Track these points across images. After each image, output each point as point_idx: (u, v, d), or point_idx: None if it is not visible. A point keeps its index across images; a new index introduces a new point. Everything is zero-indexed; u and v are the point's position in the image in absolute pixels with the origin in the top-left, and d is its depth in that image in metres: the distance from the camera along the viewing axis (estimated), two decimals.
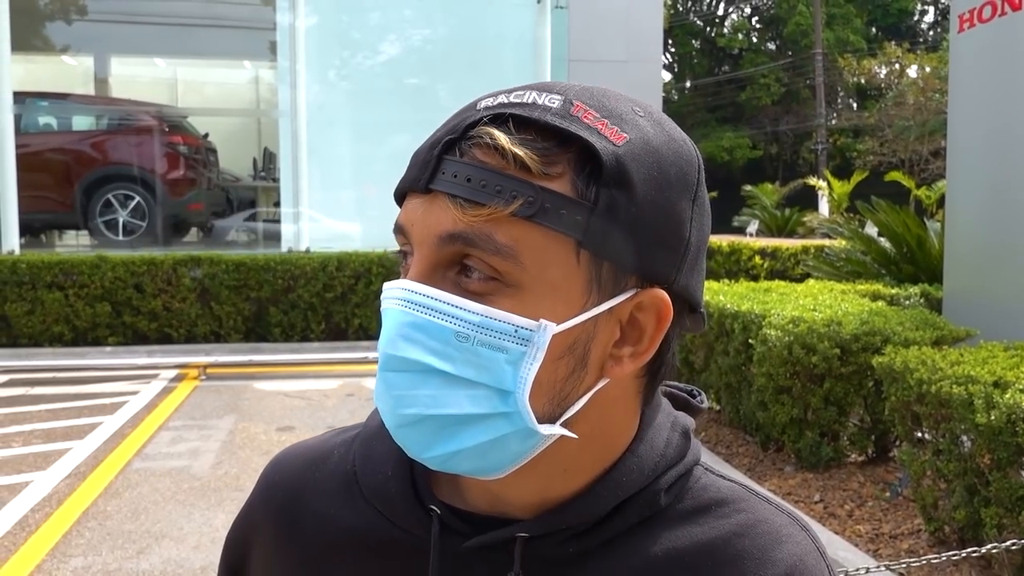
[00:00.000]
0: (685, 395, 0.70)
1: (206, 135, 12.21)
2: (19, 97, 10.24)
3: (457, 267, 0.56)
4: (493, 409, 0.56)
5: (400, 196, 0.60)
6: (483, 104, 0.58)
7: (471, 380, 0.55)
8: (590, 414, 0.59)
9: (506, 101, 0.57)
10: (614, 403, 0.61)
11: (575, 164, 0.55)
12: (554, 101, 0.56)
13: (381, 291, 0.60)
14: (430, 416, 0.56)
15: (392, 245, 0.60)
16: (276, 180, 11.82)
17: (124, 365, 7.73)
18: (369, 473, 0.66)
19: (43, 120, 11.28)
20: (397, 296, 0.57)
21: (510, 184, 0.54)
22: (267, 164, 14.00)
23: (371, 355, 8.09)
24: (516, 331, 0.55)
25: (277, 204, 11.32)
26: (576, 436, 0.58)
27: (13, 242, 9.24)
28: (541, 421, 0.56)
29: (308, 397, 6.84)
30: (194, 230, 13.24)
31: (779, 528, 0.64)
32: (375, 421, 0.69)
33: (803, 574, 0.62)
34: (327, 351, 8.34)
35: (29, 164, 9.93)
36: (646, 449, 0.63)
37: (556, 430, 0.57)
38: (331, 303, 8.79)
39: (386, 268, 8.64)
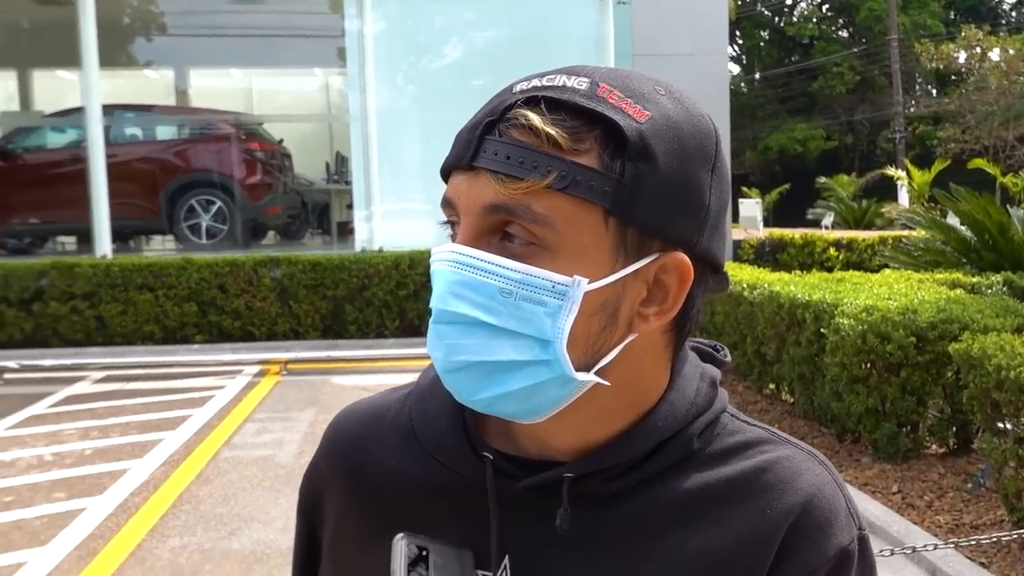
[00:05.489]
0: (709, 349, 0.76)
1: (281, 141, 12.58)
2: (107, 110, 10.78)
3: (499, 234, 0.63)
4: (534, 357, 0.62)
5: (445, 173, 0.67)
6: (518, 87, 0.65)
7: (514, 331, 0.62)
8: (622, 365, 0.65)
9: (539, 84, 0.64)
10: (643, 355, 0.67)
11: (602, 140, 0.61)
12: (582, 83, 0.63)
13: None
14: (478, 362, 0.63)
15: None
16: (348, 183, 12.11)
17: (210, 361, 8.08)
18: (425, 425, 0.73)
19: (129, 131, 11.80)
20: (446, 258, 0.63)
21: (544, 160, 0.61)
22: (339, 167, 14.33)
23: None
24: (553, 287, 0.61)
25: (350, 206, 11.61)
26: (609, 384, 0.64)
27: (106, 247, 9.76)
28: (577, 369, 0.63)
29: None
30: (271, 233, 13.67)
31: (799, 462, 0.70)
32: (427, 378, 0.76)
33: (821, 500, 0.68)
34: (401, 347, 8.53)
35: (117, 173, 10.36)
36: (678, 397, 0.70)
37: (590, 377, 0.64)
38: (404, 300, 8.99)
39: None
